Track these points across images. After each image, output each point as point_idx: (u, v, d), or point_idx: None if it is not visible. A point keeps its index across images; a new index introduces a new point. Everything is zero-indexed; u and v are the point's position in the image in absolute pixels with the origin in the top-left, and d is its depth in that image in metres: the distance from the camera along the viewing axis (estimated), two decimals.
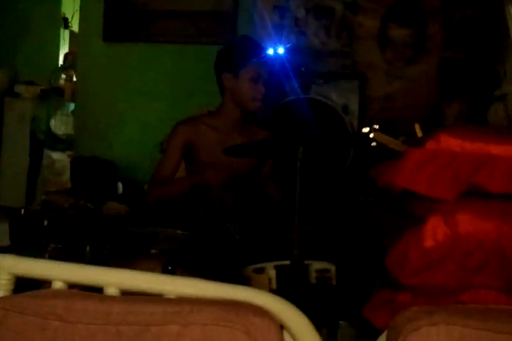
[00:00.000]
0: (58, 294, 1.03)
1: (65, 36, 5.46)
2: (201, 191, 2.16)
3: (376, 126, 1.79)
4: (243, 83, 2.25)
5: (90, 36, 4.18)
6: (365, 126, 1.82)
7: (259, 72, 2.25)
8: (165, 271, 1.54)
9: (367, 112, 3.52)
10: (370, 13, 3.57)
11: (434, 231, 1.43)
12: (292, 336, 0.99)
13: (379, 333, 1.03)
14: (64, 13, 5.39)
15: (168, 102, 4.00)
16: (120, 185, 3.53)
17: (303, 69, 3.53)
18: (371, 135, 1.75)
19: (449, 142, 1.48)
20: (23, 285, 1.11)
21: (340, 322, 1.81)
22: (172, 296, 1.03)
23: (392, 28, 3.56)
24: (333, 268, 1.68)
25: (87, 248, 1.79)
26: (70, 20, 5.38)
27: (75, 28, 5.10)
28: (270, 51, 2.45)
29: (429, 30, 3.52)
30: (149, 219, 2.21)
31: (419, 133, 1.78)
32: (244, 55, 2.27)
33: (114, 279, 1.07)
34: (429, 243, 1.43)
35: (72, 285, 1.09)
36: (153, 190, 2.30)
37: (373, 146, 1.75)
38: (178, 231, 1.72)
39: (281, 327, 0.99)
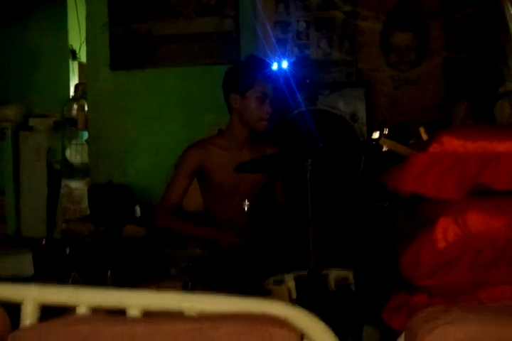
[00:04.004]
0: (83, 319, 1.06)
1: (74, 68, 5.57)
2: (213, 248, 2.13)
3: (386, 131, 1.81)
4: (250, 103, 2.26)
5: (98, 66, 4.27)
6: (375, 131, 1.84)
7: (265, 92, 2.25)
8: (185, 288, 1.57)
9: (375, 118, 3.54)
10: (370, 20, 3.60)
11: (445, 232, 1.44)
12: None
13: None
14: (71, 45, 5.50)
15: (179, 124, 4.06)
16: (138, 208, 3.57)
17: (308, 81, 3.57)
18: (379, 141, 1.77)
19: (452, 143, 1.50)
20: (50, 310, 1.14)
21: (365, 326, 1.81)
22: (193, 313, 1.05)
23: (394, 33, 3.58)
24: (351, 275, 1.69)
25: (109, 273, 1.82)
26: (77, 51, 5.49)
27: (83, 58, 5.21)
28: (275, 66, 2.47)
29: (431, 32, 3.54)
30: (168, 240, 2.23)
31: (425, 137, 1.80)
32: (251, 75, 2.27)
33: (135, 301, 1.09)
34: (440, 244, 1.44)
35: (95, 310, 1.12)
36: (163, 217, 2.29)
37: (385, 151, 1.76)
38: (197, 250, 1.74)
39: (302, 336, 1.00)
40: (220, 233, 2.14)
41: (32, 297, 1.11)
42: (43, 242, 3.10)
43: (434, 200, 1.50)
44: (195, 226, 2.26)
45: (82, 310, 1.10)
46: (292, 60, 3.31)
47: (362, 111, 3.48)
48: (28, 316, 1.09)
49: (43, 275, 2.75)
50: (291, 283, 1.65)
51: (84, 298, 1.11)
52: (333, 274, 1.69)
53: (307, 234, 1.62)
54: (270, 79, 2.27)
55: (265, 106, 2.25)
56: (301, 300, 1.63)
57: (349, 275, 1.70)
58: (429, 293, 1.45)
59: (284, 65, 3.07)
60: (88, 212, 4.03)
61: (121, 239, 2.94)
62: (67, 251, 2.61)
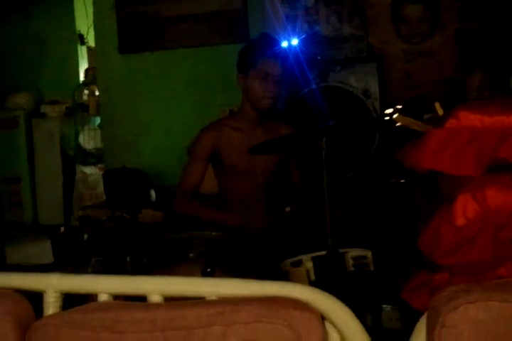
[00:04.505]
0: (105, 306, 1.07)
1: (82, 52, 5.56)
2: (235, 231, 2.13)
3: (399, 107, 1.78)
4: (253, 82, 2.24)
5: (107, 50, 4.25)
6: (388, 108, 1.81)
7: (267, 71, 2.22)
8: (204, 274, 1.57)
9: (388, 93, 3.50)
10: None
11: (465, 208, 1.43)
12: (334, 325, 1.01)
13: (421, 314, 1.04)
14: (79, 30, 5.48)
15: (190, 106, 4.05)
16: (153, 193, 3.58)
17: (319, 57, 3.53)
18: (393, 117, 1.74)
19: (469, 118, 1.47)
20: (71, 300, 1.16)
21: (384, 306, 1.81)
22: (213, 298, 1.06)
23: (405, 5, 3.52)
24: (369, 254, 1.69)
25: (128, 258, 1.83)
26: (85, 36, 5.47)
27: (91, 43, 5.19)
28: (283, 44, 2.44)
29: (442, 2, 3.47)
30: (184, 224, 2.23)
31: (440, 112, 1.77)
32: (253, 54, 2.26)
33: (156, 287, 1.10)
34: (460, 221, 1.43)
35: (116, 296, 1.13)
36: (182, 203, 2.28)
37: (399, 127, 1.74)
38: (213, 233, 1.74)
39: (323, 317, 1.00)
40: (245, 218, 2.13)
41: (54, 286, 1.12)
42: (62, 230, 3.13)
43: (452, 176, 1.48)
44: (219, 211, 2.26)
45: (103, 297, 1.11)
46: (302, 37, 3.27)
47: (374, 87, 3.44)
48: (51, 305, 1.11)
49: (62, 263, 2.79)
50: (309, 264, 1.65)
51: (105, 286, 1.12)
52: (351, 254, 1.68)
53: (324, 214, 1.61)
54: (273, 57, 2.24)
55: (267, 85, 2.23)
56: (320, 281, 1.62)
57: (367, 254, 1.69)
58: (451, 271, 1.44)
59: (294, 42, 3.04)
60: (104, 197, 4.06)
61: (138, 224, 2.95)
62: (85, 237, 2.63)
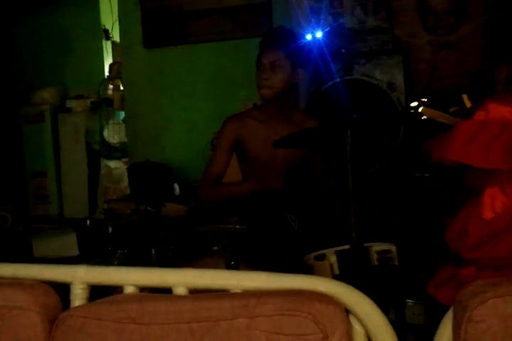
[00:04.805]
0: (131, 298, 1.08)
1: (107, 47, 5.59)
2: (263, 196, 2.16)
3: (424, 100, 1.76)
4: (255, 74, 2.27)
5: (131, 45, 4.28)
6: (413, 101, 1.79)
7: (262, 61, 2.23)
8: (228, 267, 1.58)
9: (414, 86, 3.46)
10: None
11: (493, 202, 1.41)
12: (358, 319, 1.00)
13: (447, 309, 1.03)
14: (104, 25, 5.52)
15: (214, 100, 4.06)
16: (177, 186, 3.60)
17: (343, 50, 3.50)
18: (419, 110, 1.72)
19: (498, 110, 1.44)
20: (98, 291, 1.17)
21: (408, 300, 1.79)
22: (237, 290, 1.06)
23: None
24: (393, 248, 1.67)
25: (153, 251, 1.84)
26: (110, 31, 5.51)
27: (116, 38, 5.22)
28: (308, 37, 2.41)
29: None
30: (208, 217, 2.24)
31: (468, 104, 1.74)
32: (259, 46, 2.29)
33: (181, 279, 1.10)
34: (488, 215, 1.40)
35: (142, 288, 1.13)
36: (207, 190, 2.31)
37: (424, 120, 1.72)
38: (237, 226, 1.75)
39: (347, 311, 1.00)
40: (264, 179, 2.17)
41: (80, 278, 1.13)
42: (88, 223, 3.17)
43: (480, 169, 1.46)
44: (238, 183, 2.30)
45: (129, 289, 1.12)
46: (326, 30, 3.24)
47: (400, 80, 3.41)
48: (78, 296, 1.12)
49: (87, 255, 2.82)
50: (332, 258, 1.64)
51: (131, 278, 1.13)
52: (375, 248, 1.66)
53: (348, 207, 1.60)
54: (266, 47, 2.24)
55: (261, 74, 2.23)
56: (344, 276, 1.61)
57: (391, 248, 1.67)
58: (477, 265, 1.42)
59: (318, 35, 3.01)
60: (128, 191, 4.10)
61: (162, 218, 2.97)
62: (110, 230, 2.66)
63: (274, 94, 2.23)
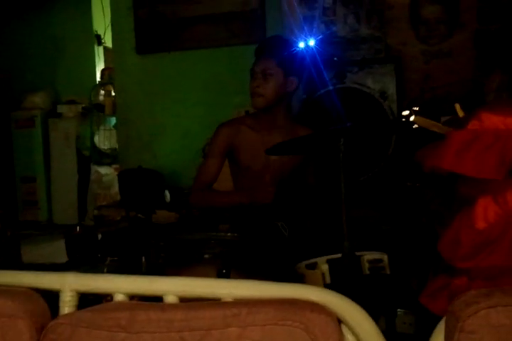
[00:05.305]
0: (121, 306, 1.07)
1: (99, 53, 5.58)
2: (249, 209, 2.15)
3: (416, 108, 1.76)
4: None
5: (124, 50, 4.27)
6: (405, 110, 1.79)
7: (254, 69, 2.24)
8: (219, 275, 1.57)
9: (406, 95, 3.47)
10: None
11: (485, 211, 1.41)
12: (350, 328, 1.00)
13: (438, 319, 1.02)
14: (96, 30, 5.51)
15: (206, 107, 4.05)
16: (168, 193, 3.58)
17: (336, 58, 3.51)
18: (411, 118, 1.72)
19: (492, 120, 1.45)
20: (87, 299, 1.15)
21: (398, 310, 1.79)
22: (229, 299, 1.05)
23: (424, 6, 3.50)
24: (385, 257, 1.66)
25: (143, 258, 1.83)
26: (102, 36, 5.50)
27: (108, 43, 5.21)
28: (301, 44, 2.42)
29: (462, 3, 3.44)
30: (199, 224, 2.23)
31: (460, 113, 1.74)
32: (255, 54, 2.29)
33: (171, 287, 1.09)
34: (481, 224, 1.40)
35: (132, 296, 1.12)
36: (197, 195, 2.30)
37: (416, 129, 1.72)
38: (228, 234, 1.74)
39: (339, 320, 0.99)
40: (255, 192, 2.15)
41: (70, 285, 1.12)
42: (77, 229, 3.14)
43: (472, 179, 1.46)
44: (229, 192, 2.29)
45: (119, 297, 1.10)
46: (319, 38, 3.25)
47: (392, 88, 3.42)
48: (67, 304, 1.11)
49: (76, 262, 2.79)
50: (324, 267, 1.63)
51: (121, 286, 1.11)
52: (367, 257, 1.66)
53: (340, 216, 1.59)
54: (257, 55, 2.25)
55: (252, 82, 2.23)
56: (335, 284, 1.61)
57: (383, 257, 1.67)
58: (470, 275, 1.42)
59: (311, 42, 3.02)
60: (118, 197, 4.07)
61: (153, 225, 2.95)
62: (100, 237, 2.63)
63: (266, 103, 2.23)
